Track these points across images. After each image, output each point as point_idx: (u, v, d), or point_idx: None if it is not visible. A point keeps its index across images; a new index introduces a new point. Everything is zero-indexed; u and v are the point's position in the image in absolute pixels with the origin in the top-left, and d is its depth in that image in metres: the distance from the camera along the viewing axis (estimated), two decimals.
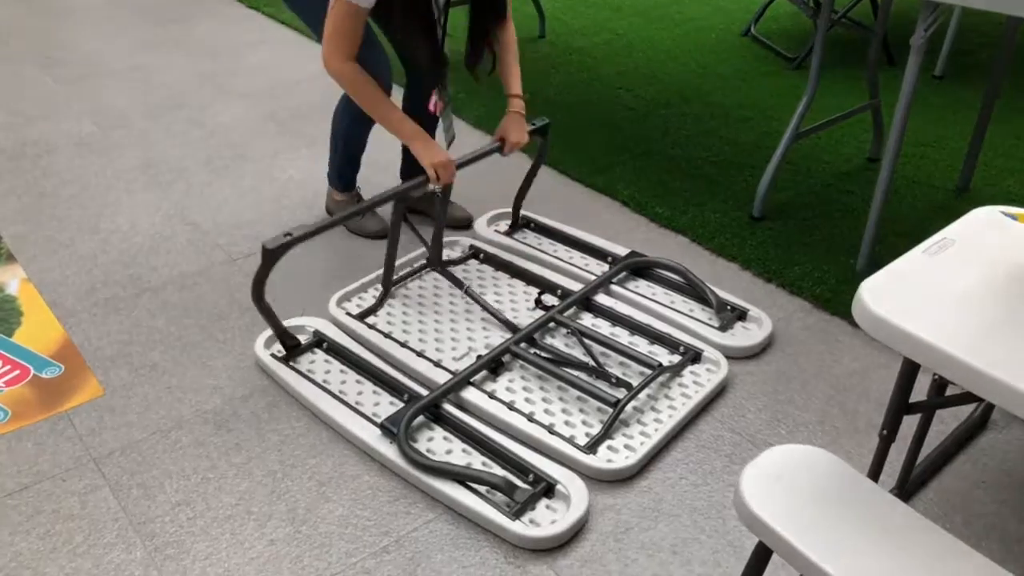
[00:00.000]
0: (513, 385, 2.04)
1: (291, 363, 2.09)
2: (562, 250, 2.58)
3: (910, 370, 1.42)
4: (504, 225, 2.69)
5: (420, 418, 1.93)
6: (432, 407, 1.94)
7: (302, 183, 2.90)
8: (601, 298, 2.32)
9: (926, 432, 1.69)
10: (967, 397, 1.54)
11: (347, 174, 2.61)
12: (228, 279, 2.42)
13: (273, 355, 2.11)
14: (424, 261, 2.47)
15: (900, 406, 1.46)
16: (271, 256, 1.91)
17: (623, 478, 1.83)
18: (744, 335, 2.21)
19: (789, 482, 1.30)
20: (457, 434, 1.90)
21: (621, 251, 2.50)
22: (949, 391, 1.68)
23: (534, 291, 2.38)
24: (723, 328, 2.21)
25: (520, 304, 2.33)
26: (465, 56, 2.27)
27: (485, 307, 2.25)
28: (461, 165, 2.24)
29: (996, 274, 1.38)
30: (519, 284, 2.42)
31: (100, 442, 1.89)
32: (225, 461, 1.84)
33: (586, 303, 2.30)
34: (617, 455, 1.86)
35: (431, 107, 2.40)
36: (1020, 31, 2.63)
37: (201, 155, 3.07)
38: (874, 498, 1.28)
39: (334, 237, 2.61)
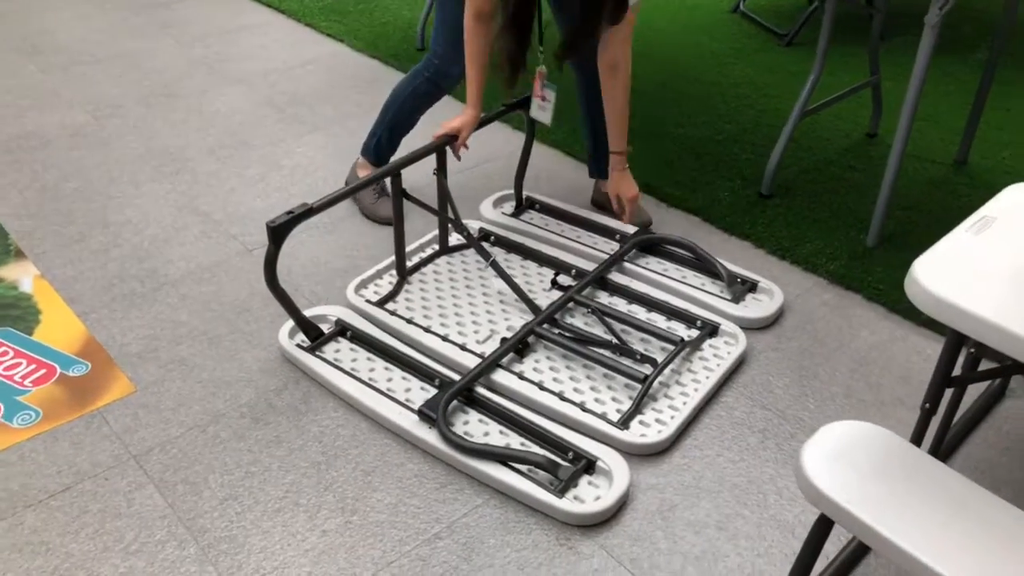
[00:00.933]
0: (540, 365, 2.07)
1: (317, 353, 2.09)
2: (569, 229, 2.59)
3: (955, 346, 1.46)
4: (509, 207, 2.70)
5: (454, 402, 1.95)
6: (465, 391, 1.96)
7: (309, 170, 2.88)
8: (615, 276, 2.35)
9: (959, 404, 1.75)
10: (1001, 371, 1.60)
11: (383, 147, 2.60)
12: (246, 270, 2.40)
13: (299, 345, 2.11)
14: (437, 247, 2.48)
15: (944, 380, 1.50)
16: (276, 234, 1.91)
17: (657, 452, 1.86)
18: (757, 306, 2.25)
19: (850, 459, 1.34)
20: (492, 416, 1.93)
21: (628, 229, 2.52)
22: (982, 366, 1.74)
23: (547, 271, 2.40)
24: (735, 300, 2.26)
25: (536, 285, 2.35)
26: (560, 47, 2.18)
27: (507, 282, 2.26)
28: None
29: None
30: (532, 265, 2.44)
31: (138, 439, 1.88)
32: (267, 454, 1.85)
33: (601, 282, 2.33)
34: (649, 429, 1.89)
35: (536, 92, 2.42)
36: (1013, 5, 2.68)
37: (203, 144, 3.03)
38: (935, 471, 1.33)
39: (347, 224, 2.61)
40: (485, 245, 2.50)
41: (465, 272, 2.40)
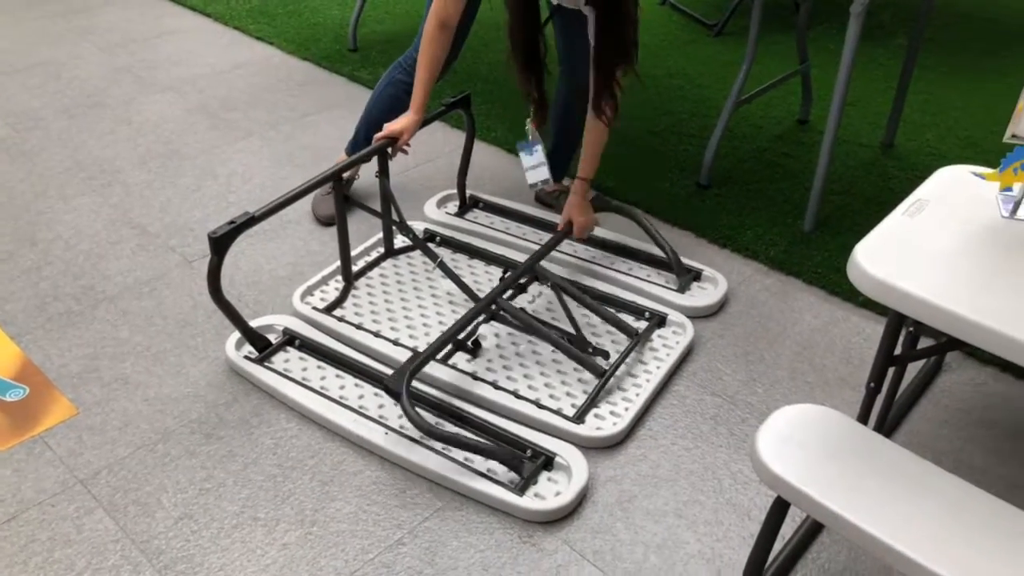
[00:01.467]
0: (493, 364, 2.07)
1: (266, 364, 2.06)
2: (514, 227, 2.60)
3: (896, 326, 1.51)
4: (453, 207, 2.70)
5: (421, 410, 1.93)
6: (416, 395, 1.94)
7: (246, 177, 2.83)
8: (560, 270, 2.36)
9: (900, 381, 1.81)
10: (941, 348, 1.66)
11: (360, 146, 2.56)
12: (187, 282, 2.35)
13: (247, 357, 2.07)
14: (382, 250, 2.46)
15: (886, 359, 1.55)
16: (219, 245, 1.87)
17: (613, 444, 1.89)
18: (702, 295, 2.29)
19: (802, 441, 1.38)
20: (448, 418, 1.92)
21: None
22: (920, 344, 1.80)
23: (495, 270, 2.41)
24: (681, 290, 2.30)
25: (484, 284, 2.35)
26: (592, 99, 2.18)
27: (456, 282, 2.25)
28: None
29: (973, 231, 1.48)
30: (479, 264, 2.44)
31: (84, 463, 1.82)
32: (221, 469, 1.81)
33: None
34: (604, 422, 1.92)
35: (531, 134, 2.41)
36: None
37: (133, 154, 2.95)
38: (882, 447, 1.37)
39: (288, 231, 2.57)
40: (431, 246, 2.49)
41: (412, 274, 2.38)
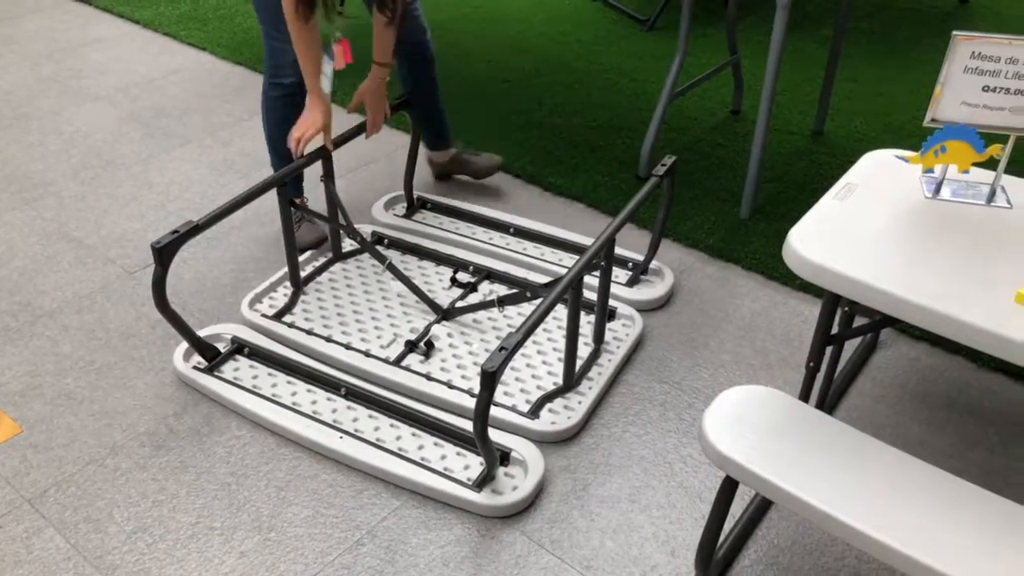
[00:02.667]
0: (447, 364, 2.08)
1: (215, 373, 2.04)
2: (463, 226, 2.62)
3: (832, 307, 1.57)
4: (401, 208, 2.70)
5: (365, 410, 1.94)
6: (371, 398, 1.96)
7: (185, 185, 2.79)
8: (512, 269, 2.38)
9: (839, 360, 1.88)
10: (875, 325, 1.73)
11: (281, 165, 2.43)
12: (129, 294, 2.31)
13: (196, 367, 2.05)
14: (330, 254, 2.45)
15: (824, 339, 1.61)
16: (163, 255, 1.86)
17: (568, 438, 1.92)
18: (650, 288, 2.34)
19: (747, 421, 1.43)
20: (403, 420, 1.93)
21: (521, 221, 2.57)
22: (856, 322, 1.87)
23: (445, 270, 2.42)
24: (630, 284, 2.34)
25: (435, 284, 2.36)
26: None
27: (406, 284, 2.26)
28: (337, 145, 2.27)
29: (899, 212, 1.55)
30: (429, 265, 2.45)
31: (30, 482, 1.79)
32: (173, 481, 1.79)
33: (500, 277, 2.37)
34: (559, 416, 1.95)
35: (341, 56, 2.26)
36: None
37: (65, 166, 2.88)
38: (824, 424, 1.43)
39: (232, 238, 2.54)
40: (380, 248, 2.49)
41: (362, 277, 2.38)
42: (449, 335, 2.17)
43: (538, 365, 2.09)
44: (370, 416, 1.94)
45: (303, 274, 2.36)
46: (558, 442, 1.90)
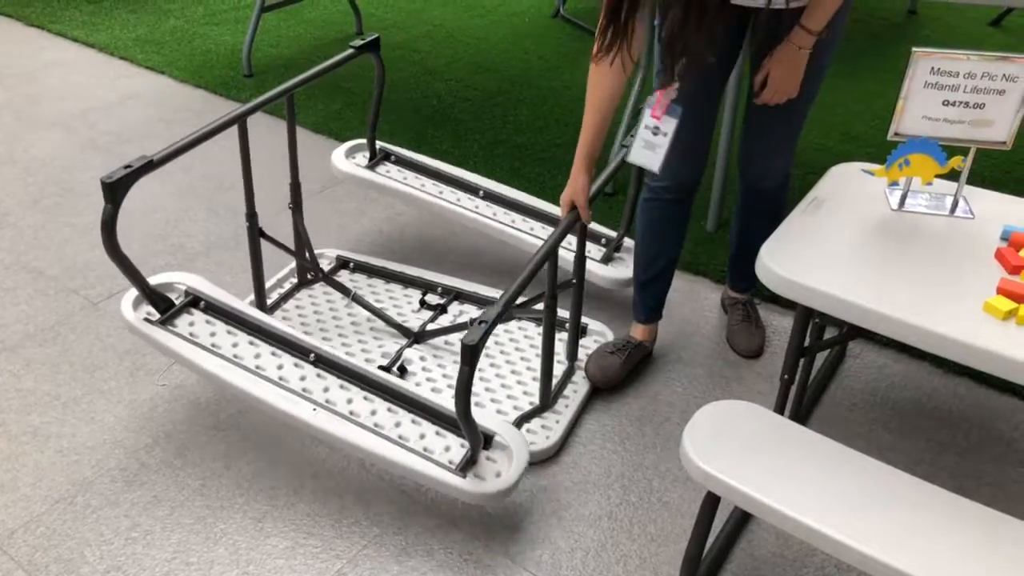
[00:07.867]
0: (420, 390, 2.05)
1: (169, 327, 1.90)
2: (430, 184, 2.50)
3: (804, 320, 1.60)
4: (363, 158, 2.54)
5: (341, 383, 1.83)
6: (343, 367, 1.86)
7: (148, 212, 2.75)
8: (480, 289, 2.37)
9: (811, 370, 1.90)
10: (846, 336, 1.75)
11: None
12: (94, 325, 2.26)
13: (146, 319, 1.90)
14: (295, 280, 2.42)
15: (798, 351, 1.63)
16: (114, 191, 1.73)
17: (547, 458, 1.91)
18: (624, 267, 2.32)
19: (727, 436, 1.44)
20: (377, 392, 1.82)
21: (489, 184, 2.48)
22: (826, 334, 1.90)
23: (414, 292, 2.40)
24: (604, 261, 2.33)
25: (404, 307, 2.35)
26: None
27: (374, 313, 2.24)
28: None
29: (867, 225, 1.58)
30: (397, 288, 2.43)
31: None
32: (147, 516, 1.76)
33: (470, 297, 2.36)
34: (537, 436, 1.94)
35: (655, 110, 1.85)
36: None
37: (24, 195, 2.82)
38: (801, 436, 1.45)
39: (198, 264, 2.51)
40: (345, 272, 2.47)
41: (330, 303, 2.35)
42: (422, 358, 2.16)
43: (513, 385, 2.08)
44: (341, 387, 1.82)
45: (269, 301, 2.33)
46: (537, 463, 1.90)
